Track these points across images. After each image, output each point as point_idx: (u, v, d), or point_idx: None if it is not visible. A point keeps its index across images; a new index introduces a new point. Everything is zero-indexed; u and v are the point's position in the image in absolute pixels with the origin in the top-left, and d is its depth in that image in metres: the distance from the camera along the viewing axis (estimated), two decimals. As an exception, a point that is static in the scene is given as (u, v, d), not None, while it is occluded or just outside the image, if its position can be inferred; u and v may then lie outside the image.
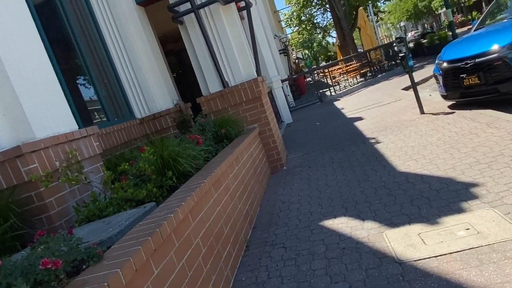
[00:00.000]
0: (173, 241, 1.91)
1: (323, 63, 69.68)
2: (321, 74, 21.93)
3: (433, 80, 9.83)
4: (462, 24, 38.82)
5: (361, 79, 13.33)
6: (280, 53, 18.41)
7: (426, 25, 58.90)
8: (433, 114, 5.53)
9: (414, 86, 5.83)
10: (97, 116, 4.82)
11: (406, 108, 6.61)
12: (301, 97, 16.11)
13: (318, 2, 37.19)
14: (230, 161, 3.38)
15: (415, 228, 2.51)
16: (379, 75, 13.06)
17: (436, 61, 5.66)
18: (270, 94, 9.06)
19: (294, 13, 38.47)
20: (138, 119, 5.37)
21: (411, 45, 22.92)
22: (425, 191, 3.04)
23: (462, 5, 44.13)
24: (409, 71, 5.69)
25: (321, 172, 4.51)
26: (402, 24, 68.46)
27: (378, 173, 3.83)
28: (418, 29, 59.00)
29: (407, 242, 2.37)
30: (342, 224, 2.90)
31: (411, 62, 5.62)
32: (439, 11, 50.17)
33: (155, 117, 5.40)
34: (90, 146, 3.25)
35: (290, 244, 2.83)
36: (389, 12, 54.24)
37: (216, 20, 5.14)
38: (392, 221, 2.70)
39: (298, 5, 36.41)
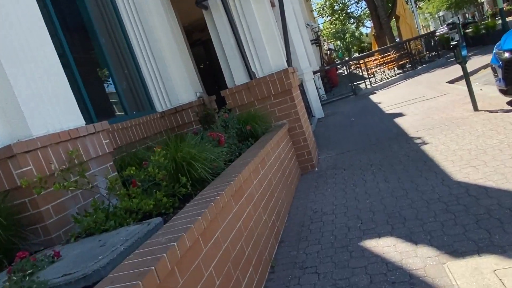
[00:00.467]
0: (176, 277, 1.48)
1: (356, 55, 67.61)
2: (353, 66, 20.99)
3: (482, 73, 8.91)
4: (508, 13, 36.11)
5: (399, 71, 12.45)
6: (312, 44, 17.67)
7: (467, 14, 55.56)
8: (489, 111, 4.81)
9: (467, 78, 5.12)
10: (114, 110, 4.49)
11: (455, 104, 5.88)
12: (333, 89, 15.38)
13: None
14: (254, 165, 2.92)
15: (488, 262, 1.95)
16: (419, 67, 12.13)
17: (495, 51, 4.92)
18: (301, 87, 8.51)
19: (327, 3, 37.28)
20: (159, 113, 5.01)
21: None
22: (494, 210, 2.46)
23: (510, -8, 41.03)
24: (462, 61, 4.98)
25: (358, 176, 3.97)
26: (441, 14, 64.99)
27: (429, 181, 3.25)
28: (458, 19, 55.69)
29: (480, 282, 1.82)
30: (389, 247, 2.38)
31: (464, 52, 4.92)
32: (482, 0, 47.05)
33: (176, 110, 5.01)
34: (99, 144, 2.89)
35: (325, 269, 2.35)
36: (428, 0, 51.51)
37: (244, 4, 4.66)
38: (455, 249, 2.15)
39: (331, -6, 35.21)
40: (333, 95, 11.74)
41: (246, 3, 4.65)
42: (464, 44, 4.92)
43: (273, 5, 7.41)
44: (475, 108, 4.98)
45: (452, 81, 8.56)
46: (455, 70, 9.83)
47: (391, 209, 2.93)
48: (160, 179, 2.40)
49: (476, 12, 51.64)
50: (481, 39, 14.19)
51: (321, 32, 46.22)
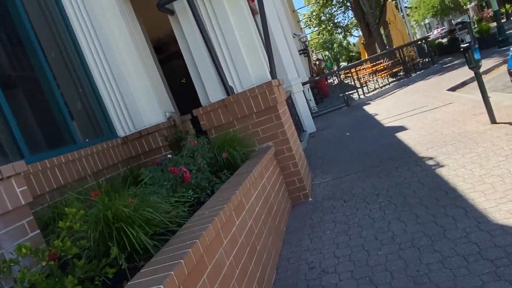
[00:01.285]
0: None
1: (344, 64, 67.73)
2: (344, 76, 20.45)
3: (484, 79, 8.28)
4: (492, 19, 36.28)
5: (393, 80, 11.84)
6: (300, 54, 17.10)
7: (453, 21, 56.05)
8: (510, 124, 4.09)
9: (482, 86, 4.43)
10: (58, 139, 3.66)
11: (465, 115, 5.17)
12: (324, 100, 14.74)
13: (339, 1, 35.74)
14: (226, 215, 2.12)
15: None
16: (414, 75, 11.54)
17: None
18: (290, 99, 7.80)
19: (314, 13, 37.12)
20: (120, 138, 4.19)
21: (443, 41, 21.10)
22: None
23: (494, -2, 41.42)
24: (475, 66, 4.29)
25: (362, 211, 3.19)
26: (427, 21, 65.68)
27: (458, 223, 2.47)
28: (444, 26, 56.20)
29: None
30: None
31: (478, 55, 4.23)
32: (467, 6, 47.53)
33: (141, 134, 4.20)
34: (8, 195, 2.07)
35: None
36: (415, 8, 51.87)
37: (216, 7, 3.91)
38: None
39: (318, 5, 35.07)
40: (324, 107, 11.05)
41: (219, 6, 3.90)
42: (477, 46, 4.22)
43: (255, 12, 6.71)
44: (493, 120, 4.26)
45: (453, 89, 7.91)
46: (454, 77, 9.21)
47: (415, 269, 2.13)
48: (75, 253, 1.58)
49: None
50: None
51: (309, 43, 46.05)
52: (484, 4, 46.73)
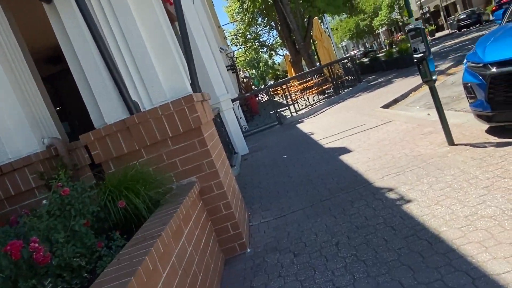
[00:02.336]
0: None
1: (271, 82, 69.29)
2: (273, 93, 20.22)
3: (413, 96, 8.23)
4: (403, 41, 39.86)
5: (323, 97, 11.59)
6: (228, 70, 16.37)
7: (367, 44, 60.89)
8: (471, 145, 3.59)
9: (437, 101, 3.91)
10: None
11: (412, 135, 4.68)
12: (254, 118, 14.11)
13: (263, 21, 36.30)
14: None
15: None
16: (342, 92, 11.41)
17: (467, 64, 3.80)
18: (218, 117, 6.85)
19: (240, 31, 37.16)
20: (-32, 179, 2.82)
21: (365, 60, 22.13)
22: None
23: (401, 23, 45.81)
24: (430, 79, 3.76)
25: (322, 274, 2.30)
26: (344, 43, 70.61)
27: (469, 301, 1.69)
28: (359, 48, 60.80)
29: None
30: None
31: (432, 66, 3.70)
32: (379, 30, 51.91)
33: (2, 172, 2.88)
34: None
35: None
36: (336, 29, 55.18)
37: (113, -6, 2.83)
38: None
39: (243, 23, 35.18)
40: (256, 125, 10.30)
41: (117, -8, 2.83)
42: (431, 56, 3.71)
43: (173, 20, 5.70)
44: (450, 142, 3.74)
45: (386, 106, 7.67)
46: (383, 94, 9.10)
47: None
48: None
49: (374, 42, 56.76)
50: (395, 63, 14.26)
51: (236, 59, 45.98)
52: (393, 29, 51.54)
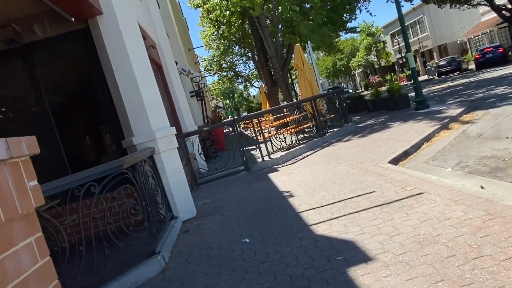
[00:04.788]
0: None
1: (244, 114, 67.66)
2: (243, 126, 17.96)
3: (428, 148, 6.12)
4: (380, 84, 39.47)
5: (302, 137, 9.38)
6: (192, 96, 14.04)
7: (342, 83, 60.99)
8: None
9: None
10: None
11: (496, 238, 2.38)
12: (219, 155, 11.70)
13: (240, 51, 34.84)
14: None
15: None
16: (327, 133, 9.26)
17: None
18: (150, 162, 4.42)
19: (214, 59, 35.37)
20: None
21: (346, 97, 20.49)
22: None
23: (377, 66, 45.87)
24: None
25: None
26: (320, 81, 70.86)
27: None
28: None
29: None
30: None
31: None
32: (356, 71, 51.98)
33: None
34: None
35: None
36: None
37: None
38: None
39: (218, 51, 33.48)
40: (215, 170, 7.81)
41: None
42: None
43: None
44: None
45: (395, 161, 5.48)
46: (382, 141, 6.97)
47: None
48: None
49: (350, 82, 56.82)
50: (384, 104, 12.44)
51: (207, 87, 43.88)
52: (368, 71, 51.72)
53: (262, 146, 7.90)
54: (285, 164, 7.47)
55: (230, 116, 58.66)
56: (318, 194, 4.62)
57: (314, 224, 3.59)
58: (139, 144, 4.80)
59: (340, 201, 4.09)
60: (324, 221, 3.59)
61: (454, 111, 8.36)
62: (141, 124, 4.85)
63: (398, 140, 6.75)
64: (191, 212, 5.14)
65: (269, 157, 7.73)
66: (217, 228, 4.33)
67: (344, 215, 3.60)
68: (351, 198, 4.08)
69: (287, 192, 5.17)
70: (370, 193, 4.08)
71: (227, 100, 77.03)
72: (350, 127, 9.97)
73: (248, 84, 41.74)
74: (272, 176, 6.60)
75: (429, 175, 4.23)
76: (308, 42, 11.50)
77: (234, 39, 29.64)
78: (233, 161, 7.87)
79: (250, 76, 39.08)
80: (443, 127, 7.06)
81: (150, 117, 4.86)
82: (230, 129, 18.23)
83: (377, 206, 3.62)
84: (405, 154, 5.78)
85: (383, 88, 20.00)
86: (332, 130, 9.63)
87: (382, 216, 3.32)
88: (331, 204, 4.07)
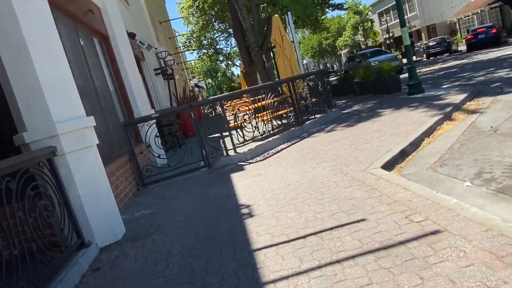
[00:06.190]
0: None
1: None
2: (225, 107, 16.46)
3: (429, 145, 4.85)
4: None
5: (278, 125, 8.01)
6: (157, 74, 12.42)
7: (328, 64, 59.49)
8: None
9: None
10: None
11: None
12: (185, 142, 10.33)
13: (220, 27, 32.85)
14: None
15: None
16: (307, 122, 7.92)
17: None
18: (46, 170, 2.99)
19: (194, 35, 33.23)
20: None
21: (331, 79, 19.14)
22: None
23: (364, 46, 44.49)
24: None
25: None
26: (305, 62, 69.01)
27: None
28: (320, 68, 59.25)
29: None
30: None
31: None
32: (342, 51, 50.52)
33: None
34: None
35: None
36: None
37: None
38: None
39: (197, 26, 31.39)
40: (168, 166, 6.38)
41: None
42: None
43: None
44: None
45: (388, 164, 4.19)
46: (371, 134, 5.66)
47: None
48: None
49: (336, 62, 55.36)
50: (373, 87, 11.14)
51: (187, 65, 41.81)
52: (355, 51, 50.31)
53: (227, 139, 6.49)
54: (254, 160, 6.12)
55: (211, 95, 56.65)
56: (286, 215, 3.30)
57: (271, 281, 2.27)
58: (33, 142, 3.35)
59: (314, 233, 2.78)
60: (288, 277, 2.28)
61: (455, 97, 7.10)
62: (36, 114, 3.38)
63: (391, 133, 5.46)
64: (115, 234, 3.75)
65: (235, 151, 6.35)
66: (138, 268, 2.98)
67: (319, 267, 2.30)
68: (331, 229, 2.78)
69: (247, 207, 3.84)
70: (358, 222, 2.78)
71: (210, 79, 74.82)
72: (334, 114, 8.65)
73: (230, 63, 39.86)
74: (235, 177, 5.25)
75: (443, 194, 2.94)
76: (288, 13, 9.97)
77: (213, 13, 27.70)
78: (197, 152, 6.45)
79: (232, 54, 37.15)
80: (446, 118, 5.80)
81: (50, 103, 3.39)
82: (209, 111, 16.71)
83: (370, 252, 2.32)
84: (402, 154, 4.49)
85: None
86: (313, 117, 8.29)
87: (380, 278, 2.03)
88: (301, 238, 2.76)
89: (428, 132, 5.20)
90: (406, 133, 5.24)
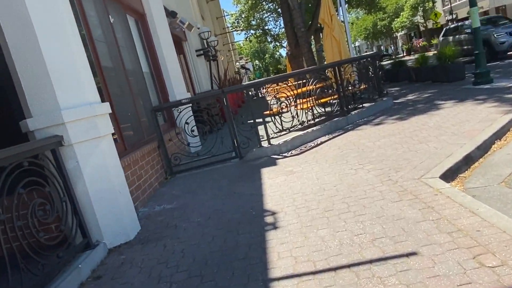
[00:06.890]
0: None
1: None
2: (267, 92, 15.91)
3: (504, 148, 3.98)
4: (424, 49, 35.40)
5: (319, 114, 7.31)
6: (199, 55, 12.08)
7: (382, 47, 56.22)
8: None
9: None
10: None
11: None
12: (225, 124, 9.96)
13: (269, 7, 31.88)
14: None
15: None
16: (353, 112, 7.13)
17: None
18: (54, 159, 2.64)
19: (243, 15, 32.55)
20: None
21: (384, 64, 17.75)
22: None
23: (423, 29, 41.27)
24: None
25: None
26: (357, 44, 65.74)
27: None
28: (373, 51, 56.15)
29: None
30: None
31: None
32: (398, 33, 47.38)
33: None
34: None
35: None
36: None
37: None
38: None
39: (246, 5, 30.70)
40: (197, 156, 5.99)
41: None
42: None
43: None
44: None
45: (449, 173, 3.43)
46: (428, 131, 4.81)
47: None
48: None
49: (391, 45, 52.11)
50: (432, 74, 9.96)
51: (240, 49, 41.44)
52: (412, 35, 46.92)
53: (260, 127, 5.94)
54: (289, 153, 5.54)
55: (258, 78, 56.12)
56: (317, 232, 2.73)
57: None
58: (37, 130, 3.05)
59: (349, 266, 2.20)
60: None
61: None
62: (41, 99, 3.06)
63: (453, 132, 4.61)
64: (126, 234, 3.42)
65: (269, 143, 5.80)
66: (139, 282, 2.59)
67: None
68: (371, 262, 2.18)
69: (273, 214, 3.31)
70: (408, 256, 2.16)
71: (257, 61, 74.11)
72: (385, 103, 7.76)
73: (278, 44, 38.82)
74: (266, 173, 4.73)
75: (528, 227, 2.21)
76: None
77: (262, -7, 26.86)
78: (221, 145, 6.01)
79: (281, 36, 36.06)
80: (524, 115, 4.81)
81: (57, 87, 3.05)
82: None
83: (422, 310, 1.71)
84: (467, 161, 3.69)
85: (429, 53, 17.08)
86: (361, 106, 7.49)
87: None
88: (331, 271, 2.19)
89: (500, 134, 4.30)
90: (472, 133, 4.37)
